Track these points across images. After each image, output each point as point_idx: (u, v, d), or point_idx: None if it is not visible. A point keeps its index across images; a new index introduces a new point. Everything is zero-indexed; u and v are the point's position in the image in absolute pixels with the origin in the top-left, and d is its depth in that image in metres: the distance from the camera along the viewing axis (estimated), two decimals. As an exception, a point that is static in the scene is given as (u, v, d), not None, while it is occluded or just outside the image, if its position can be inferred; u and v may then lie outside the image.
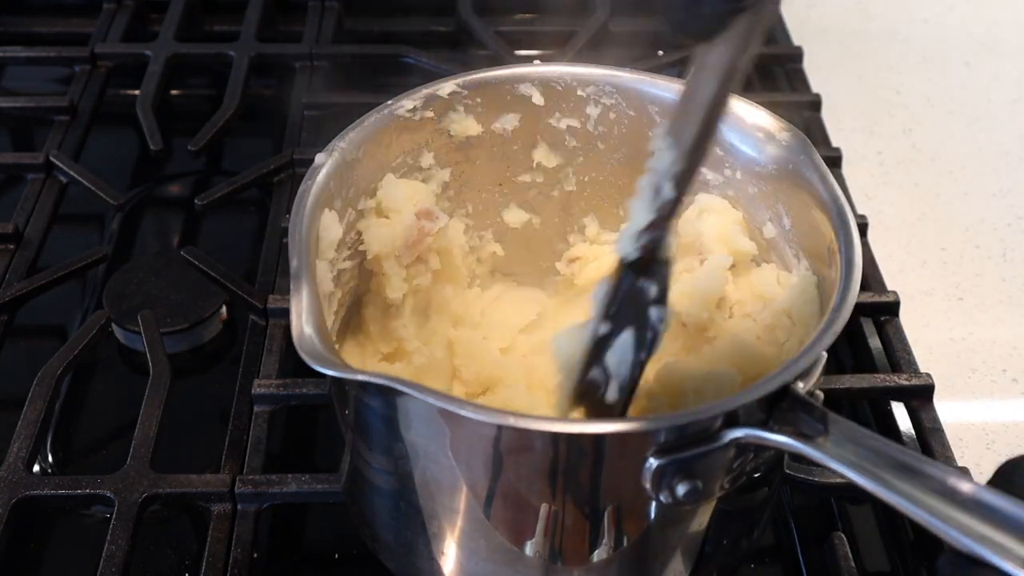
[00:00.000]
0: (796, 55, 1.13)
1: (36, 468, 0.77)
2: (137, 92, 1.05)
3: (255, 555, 0.69)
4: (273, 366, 0.79)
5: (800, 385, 0.54)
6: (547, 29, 1.18)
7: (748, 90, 1.15)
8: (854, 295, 0.57)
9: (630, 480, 0.54)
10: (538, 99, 0.72)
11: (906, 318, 0.84)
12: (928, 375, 0.79)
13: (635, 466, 0.53)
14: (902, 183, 1.06)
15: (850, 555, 0.68)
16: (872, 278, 0.88)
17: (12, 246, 0.90)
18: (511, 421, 0.52)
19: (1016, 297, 0.94)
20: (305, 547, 0.75)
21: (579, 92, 0.72)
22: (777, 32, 1.18)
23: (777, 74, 1.16)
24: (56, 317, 0.91)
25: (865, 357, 0.84)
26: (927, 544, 0.74)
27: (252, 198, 1.00)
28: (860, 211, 0.95)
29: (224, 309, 0.86)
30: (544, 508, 0.56)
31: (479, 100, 0.72)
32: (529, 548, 0.58)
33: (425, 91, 0.70)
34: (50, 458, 0.79)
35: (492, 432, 0.54)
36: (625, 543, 0.58)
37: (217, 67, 1.11)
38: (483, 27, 1.12)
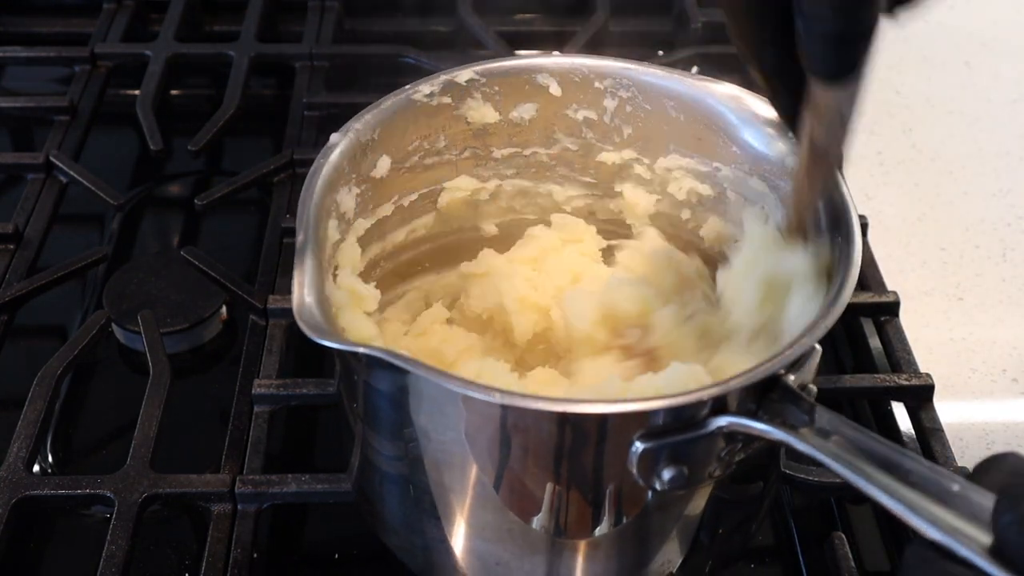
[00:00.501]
0: (796, 55, 1.13)
1: (36, 468, 0.77)
2: (137, 92, 1.05)
3: (255, 555, 0.69)
4: (273, 366, 0.79)
5: (791, 377, 0.54)
6: (547, 29, 1.18)
7: (748, 88, 1.16)
8: (850, 290, 0.58)
9: (617, 463, 0.54)
10: (555, 90, 0.73)
11: (906, 318, 0.84)
12: (928, 375, 0.79)
13: (622, 449, 0.53)
14: (902, 183, 1.06)
15: (850, 555, 0.68)
16: (872, 278, 0.88)
17: (12, 246, 0.90)
18: (498, 398, 0.52)
19: (1016, 297, 0.94)
20: (305, 547, 0.75)
21: (596, 84, 0.73)
22: (777, 32, 1.18)
23: (777, 74, 1.16)
24: (56, 317, 0.91)
25: (865, 357, 0.84)
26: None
27: (252, 198, 1.00)
28: (860, 211, 0.93)
29: (224, 309, 0.86)
30: (540, 485, 0.57)
31: (497, 88, 0.72)
32: (531, 524, 0.59)
33: (443, 77, 0.71)
34: (50, 458, 0.79)
35: (485, 408, 0.54)
36: (617, 524, 0.58)
37: (217, 67, 1.11)
38: (483, 27, 1.12)
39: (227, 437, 0.75)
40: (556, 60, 0.73)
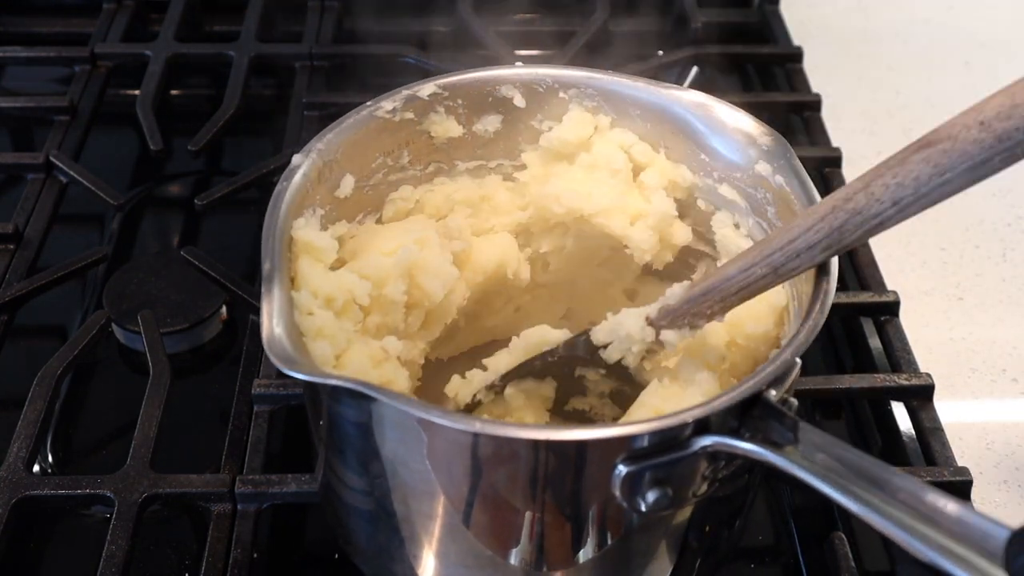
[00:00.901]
0: (796, 55, 1.13)
1: (36, 468, 0.77)
2: (137, 92, 1.05)
3: (255, 555, 0.69)
4: (273, 366, 0.78)
5: (772, 393, 0.54)
6: (547, 29, 1.18)
7: (748, 90, 1.16)
8: (827, 304, 0.57)
9: (600, 487, 0.53)
10: (519, 101, 0.72)
11: (906, 318, 0.85)
12: (928, 375, 0.79)
13: (604, 473, 0.53)
14: (902, 183, 1.06)
15: (850, 555, 0.68)
16: (872, 278, 0.88)
17: (12, 246, 0.90)
18: (477, 427, 0.52)
19: (1016, 297, 0.94)
20: (305, 547, 0.75)
21: (561, 94, 0.72)
22: (777, 32, 1.18)
23: (777, 74, 1.16)
24: (56, 317, 0.91)
25: (865, 357, 0.84)
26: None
27: (252, 198, 1.00)
28: (860, 211, 0.94)
29: (224, 309, 0.86)
30: (515, 513, 0.56)
31: (460, 101, 0.71)
32: (502, 552, 0.58)
33: (405, 92, 0.70)
34: (50, 458, 0.79)
35: (460, 437, 0.53)
36: (599, 549, 0.58)
37: (217, 67, 1.11)
38: (483, 27, 1.12)
39: (227, 437, 0.75)
40: (519, 71, 0.72)
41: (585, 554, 0.58)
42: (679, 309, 0.62)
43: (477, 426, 0.52)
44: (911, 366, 0.81)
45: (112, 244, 0.96)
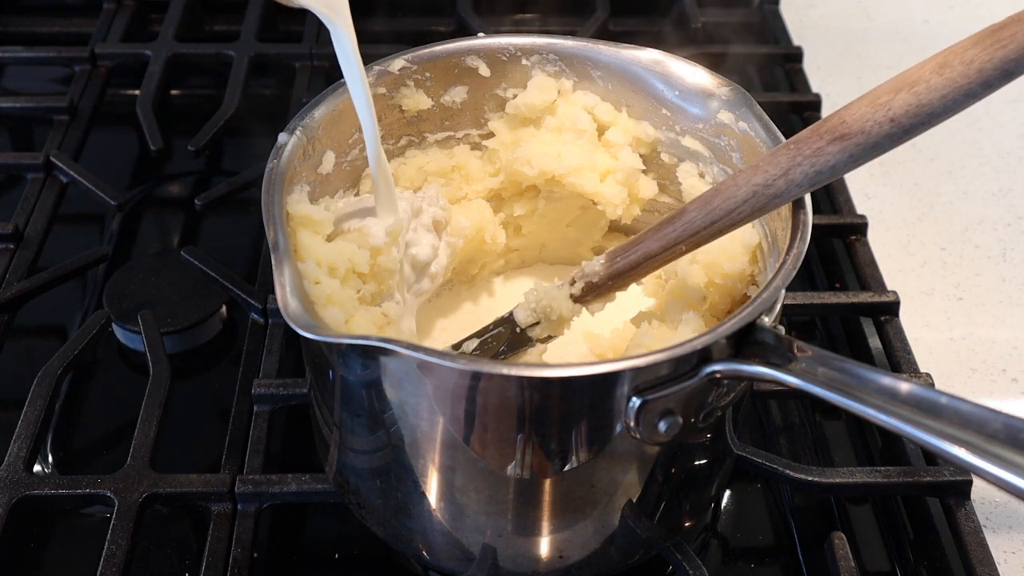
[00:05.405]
0: (796, 55, 1.13)
1: (36, 468, 0.77)
2: (137, 92, 1.05)
3: (255, 555, 0.69)
4: (273, 366, 0.79)
5: (765, 320, 0.56)
6: (547, 29, 1.18)
7: (748, 90, 1.15)
8: (807, 233, 0.59)
9: (615, 419, 0.55)
10: (484, 71, 0.74)
11: (906, 318, 0.85)
12: (928, 375, 0.79)
13: (619, 405, 0.55)
14: (902, 183, 1.06)
15: (850, 555, 0.68)
16: (872, 278, 0.88)
17: (12, 246, 0.90)
18: (504, 370, 0.54)
19: (1016, 297, 0.94)
20: (305, 547, 0.75)
21: (524, 61, 0.74)
22: (777, 32, 1.18)
23: (777, 74, 1.16)
24: (56, 317, 0.91)
25: (865, 357, 0.84)
26: (927, 543, 0.74)
27: (252, 198, 0.99)
28: (860, 211, 0.95)
29: (224, 309, 0.86)
30: (532, 453, 0.57)
31: (428, 74, 0.73)
32: (518, 494, 0.59)
33: (376, 67, 0.72)
34: (50, 458, 0.79)
35: (495, 383, 0.55)
36: (614, 485, 0.60)
37: (217, 67, 1.11)
38: (483, 27, 1.12)
39: (227, 437, 0.75)
40: (484, 41, 0.75)
41: (597, 482, 0.59)
42: (603, 285, 0.68)
43: (514, 371, 0.54)
44: (911, 366, 0.81)
45: (112, 244, 0.96)
